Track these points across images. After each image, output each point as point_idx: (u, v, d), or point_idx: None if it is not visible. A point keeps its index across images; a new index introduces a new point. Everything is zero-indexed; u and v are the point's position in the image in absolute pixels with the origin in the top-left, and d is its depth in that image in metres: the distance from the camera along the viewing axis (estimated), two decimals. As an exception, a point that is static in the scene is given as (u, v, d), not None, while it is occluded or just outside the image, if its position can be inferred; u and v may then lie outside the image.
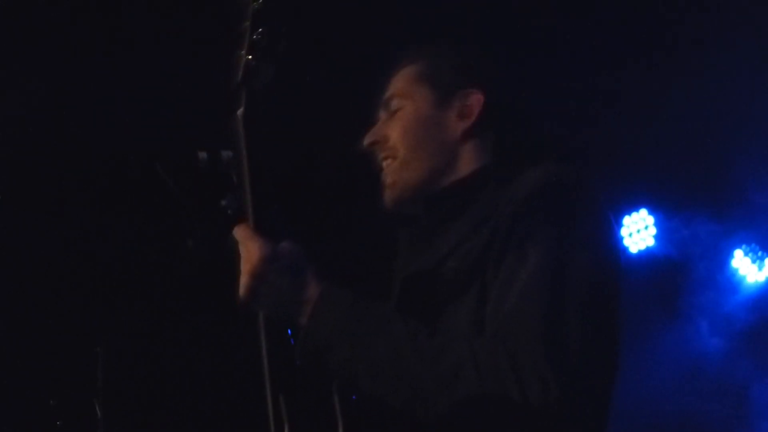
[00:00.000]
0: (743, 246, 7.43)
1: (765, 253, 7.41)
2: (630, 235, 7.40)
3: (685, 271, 7.44)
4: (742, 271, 7.44)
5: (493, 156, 2.59)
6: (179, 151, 2.56)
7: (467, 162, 2.58)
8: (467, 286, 2.36)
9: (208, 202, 2.51)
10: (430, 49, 2.69)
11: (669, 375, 7.21)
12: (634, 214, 7.41)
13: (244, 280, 2.29)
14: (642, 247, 7.42)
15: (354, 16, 5.48)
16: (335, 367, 2.27)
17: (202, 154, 2.45)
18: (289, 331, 2.35)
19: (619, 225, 7.37)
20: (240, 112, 2.30)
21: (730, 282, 7.46)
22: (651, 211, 7.42)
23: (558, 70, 6.11)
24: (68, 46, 5.36)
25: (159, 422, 5.76)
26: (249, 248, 2.29)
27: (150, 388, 5.72)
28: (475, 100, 2.58)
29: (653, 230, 7.42)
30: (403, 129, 2.59)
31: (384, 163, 2.61)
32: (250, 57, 2.25)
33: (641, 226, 7.42)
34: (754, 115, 6.59)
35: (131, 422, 5.30)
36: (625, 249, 7.34)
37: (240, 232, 2.31)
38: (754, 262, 7.43)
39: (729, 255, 7.46)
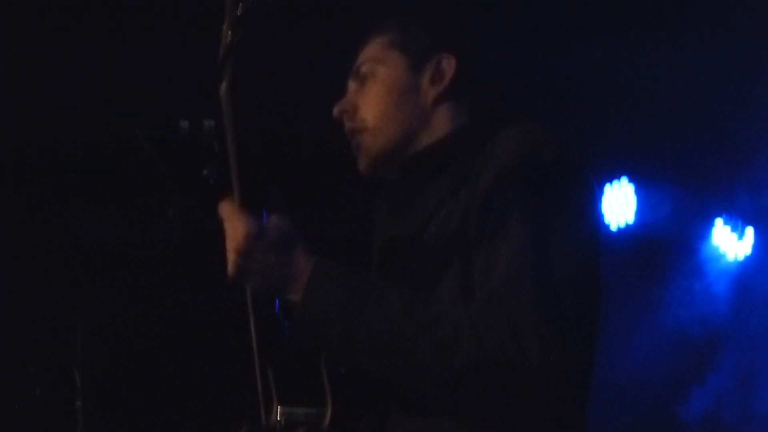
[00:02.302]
0: (724, 216, 7.44)
1: (745, 224, 7.43)
2: (611, 208, 7.39)
3: (665, 241, 7.45)
4: (722, 242, 7.46)
5: (467, 118, 2.58)
6: (161, 120, 2.54)
7: (441, 125, 2.57)
8: (450, 252, 2.36)
9: (189, 172, 2.49)
10: (400, 19, 2.68)
11: (651, 347, 7.23)
12: (615, 184, 7.39)
13: (230, 258, 2.27)
14: (621, 220, 7.41)
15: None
16: (333, 340, 2.25)
17: (184, 123, 2.43)
18: (277, 303, 2.35)
19: (601, 194, 7.36)
20: (223, 87, 2.27)
21: (711, 252, 7.48)
22: (631, 180, 7.41)
23: (535, 35, 6.08)
24: (42, 18, 5.32)
25: (140, 392, 5.75)
26: (234, 225, 2.26)
27: (131, 358, 5.70)
28: (448, 64, 2.57)
29: (633, 205, 7.41)
30: (374, 95, 2.58)
31: (352, 134, 2.60)
32: (232, 32, 2.22)
33: (621, 198, 7.40)
34: (738, 86, 6.58)
35: (111, 391, 5.29)
36: (606, 225, 7.33)
37: (225, 209, 2.29)
38: (734, 231, 7.45)
39: (710, 226, 7.48)
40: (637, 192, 7.39)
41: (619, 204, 7.38)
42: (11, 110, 5.38)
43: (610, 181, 7.37)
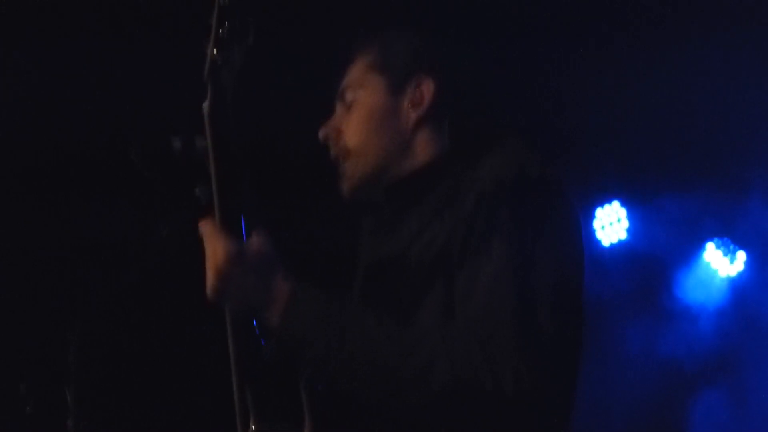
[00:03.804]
0: (715, 239, 7.46)
1: (737, 247, 7.44)
2: (602, 227, 7.42)
3: (657, 264, 7.47)
4: (714, 265, 7.47)
5: (449, 141, 2.61)
6: (153, 138, 2.55)
7: (423, 149, 2.59)
8: (432, 276, 2.38)
9: (182, 190, 2.50)
10: (382, 36, 2.70)
11: (641, 367, 7.23)
12: (607, 207, 7.42)
13: (209, 280, 2.29)
14: (614, 239, 7.43)
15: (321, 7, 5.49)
16: (310, 364, 2.28)
17: (176, 142, 2.44)
18: (254, 323, 2.36)
19: (591, 217, 7.38)
20: (205, 105, 2.29)
21: (703, 275, 7.49)
22: (623, 203, 7.44)
23: (526, 58, 6.09)
24: (37, 32, 5.33)
25: (129, 410, 5.74)
26: (214, 246, 2.29)
27: (121, 375, 5.70)
28: (427, 87, 2.60)
29: (626, 223, 7.44)
30: (356, 122, 2.61)
31: (336, 159, 2.63)
32: (215, 52, 2.24)
33: (614, 218, 7.43)
34: (728, 104, 6.60)
35: (102, 409, 5.28)
36: (597, 242, 7.35)
37: (205, 229, 2.31)
38: (725, 255, 7.46)
39: (701, 248, 7.49)
40: (629, 216, 7.42)
41: (611, 224, 7.41)
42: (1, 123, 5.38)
43: (602, 204, 7.39)
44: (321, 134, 2.65)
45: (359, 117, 2.61)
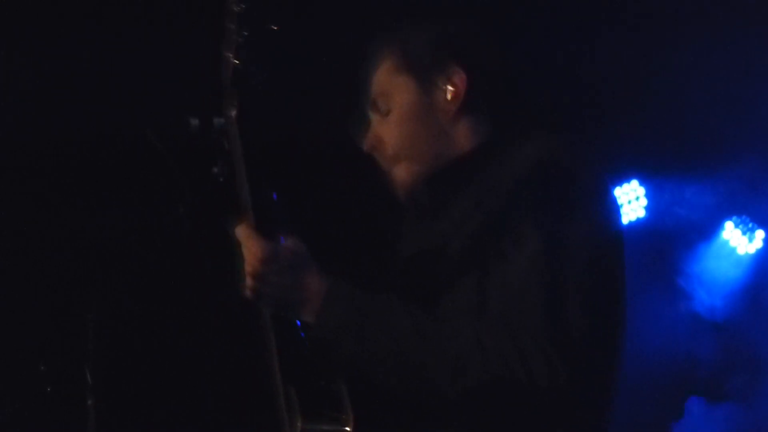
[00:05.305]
0: (734, 218, 7.45)
1: (756, 225, 7.43)
2: (621, 206, 7.41)
3: (676, 242, 7.46)
4: (732, 243, 7.46)
5: (490, 128, 2.57)
6: (170, 118, 2.55)
7: (466, 137, 2.57)
8: (468, 266, 2.37)
9: (199, 169, 2.50)
10: (403, 33, 2.65)
11: (660, 346, 7.23)
12: (625, 185, 7.41)
13: (247, 282, 2.32)
14: (633, 218, 7.42)
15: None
16: (345, 361, 2.30)
17: (194, 121, 2.44)
18: (299, 323, 2.38)
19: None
20: (233, 114, 2.30)
21: (721, 253, 7.48)
22: (642, 182, 7.42)
23: (544, 38, 6.07)
24: (52, 20, 5.34)
25: (151, 390, 5.76)
26: (249, 248, 2.30)
27: (142, 355, 5.71)
28: (458, 77, 2.56)
29: (644, 201, 7.43)
30: (396, 128, 2.58)
31: (387, 167, 2.61)
32: (237, 60, 2.24)
33: (632, 197, 7.42)
34: (750, 81, 6.58)
35: (122, 389, 5.31)
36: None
37: (240, 232, 2.33)
38: (744, 234, 7.45)
39: (720, 226, 7.48)
40: (648, 195, 7.41)
41: (630, 202, 7.41)
42: (21, 106, 5.39)
43: (621, 183, 7.38)
44: (365, 147, 2.62)
45: (398, 122, 2.58)
